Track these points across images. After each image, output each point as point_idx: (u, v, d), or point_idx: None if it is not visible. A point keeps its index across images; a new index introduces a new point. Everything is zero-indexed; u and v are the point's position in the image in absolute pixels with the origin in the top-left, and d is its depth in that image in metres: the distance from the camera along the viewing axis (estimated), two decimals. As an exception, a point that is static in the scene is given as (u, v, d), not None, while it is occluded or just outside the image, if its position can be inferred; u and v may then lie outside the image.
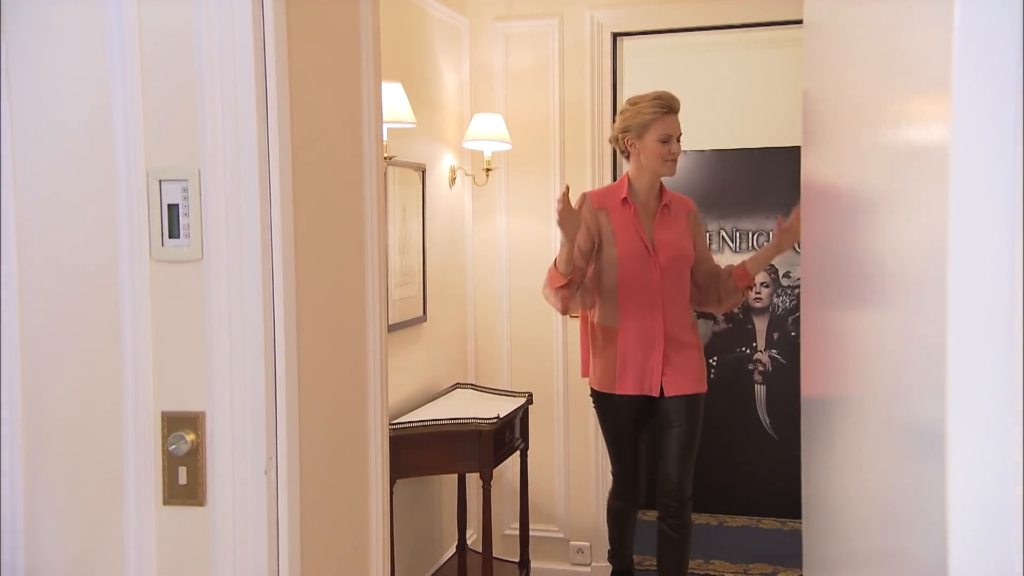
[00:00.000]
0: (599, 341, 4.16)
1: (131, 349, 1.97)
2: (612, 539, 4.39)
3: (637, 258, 3.96)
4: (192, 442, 1.95)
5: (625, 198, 4.02)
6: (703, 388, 4.06)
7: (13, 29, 1.99)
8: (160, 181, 1.94)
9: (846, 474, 1.38)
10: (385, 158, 3.19)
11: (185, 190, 1.94)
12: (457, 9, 5.06)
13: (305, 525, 2.08)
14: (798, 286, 5.65)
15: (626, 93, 5.63)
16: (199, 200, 1.93)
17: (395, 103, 4.35)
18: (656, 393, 3.94)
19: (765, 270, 5.82)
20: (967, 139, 0.83)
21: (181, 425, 1.96)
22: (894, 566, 1.08)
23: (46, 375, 2.04)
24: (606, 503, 4.53)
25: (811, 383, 1.85)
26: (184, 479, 1.97)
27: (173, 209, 1.94)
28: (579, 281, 4.19)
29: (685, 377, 3.85)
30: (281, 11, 1.94)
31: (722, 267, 4.27)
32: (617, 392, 4.02)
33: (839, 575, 1.45)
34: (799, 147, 2.29)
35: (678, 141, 3.94)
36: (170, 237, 1.95)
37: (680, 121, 4.03)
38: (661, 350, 3.89)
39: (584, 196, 4.21)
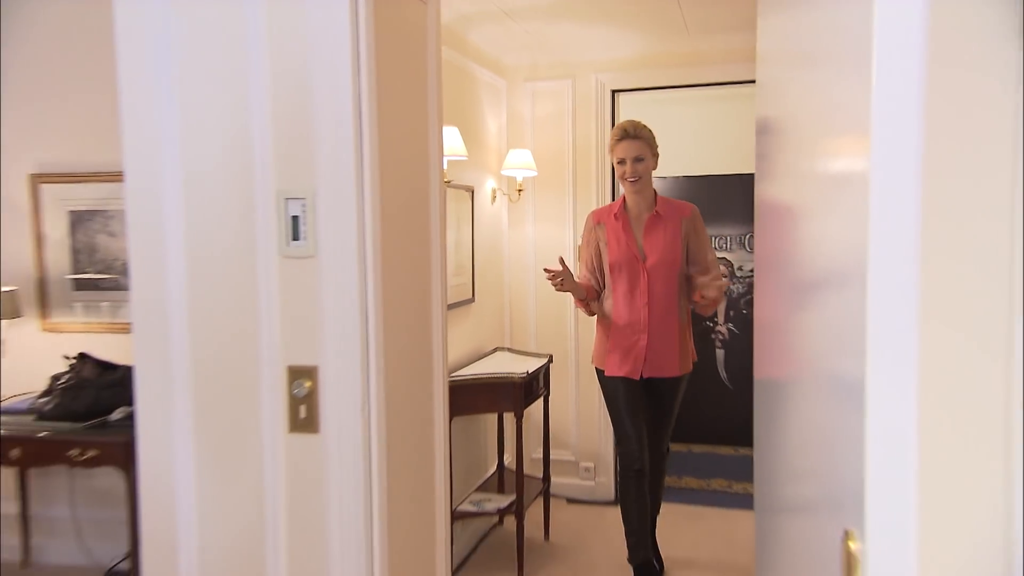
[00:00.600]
0: (600, 328, 3.86)
1: (266, 321, 2.00)
2: (628, 528, 3.79)
3: (626, 263, 3.59)
4: (309, 387, 1.98)
5: (617, 212, 3.67)
6: (681, 372, 3.68)
7: (186, 77, 2.01)
8: (286, 199, 1.96)
9: (789, 413, 1.38)
10: (445, 182, 3.21)
11: (303, 206, 1.95)
12: (498, 73, 5.07)
13: (389, 449, 2.10)
14: (748, 277, 5.69)
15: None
16: (313, 213, 1.95)
17: (452, 141, 4.38)
18: (637, 376, 3.61)
19: (725, 264, 5.90)
20: (882, 169, 0.86)
21: (301, 375, 1.98)
22: (824, 479, 1.09)
23: (207, 339, 2.06)
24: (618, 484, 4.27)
25: (763, 362, 1.80)
26: (303, 414, 1.99)
27: (295, 220, 1.96)
28: (596, 296, 3.92)
29: (665, 363, 3.51)
30: (372, 75, 1.95)
31: (712, 268, 3.68)
32: (607, 373, 3.70)
33: (781, 487, 1.44)
34: (752, 173, 2.30)
35: (633, 162, 3.54)
36: (293, 240, 1.96)
37: (637, 145, 3.60)
38: (645, 341, 3.54)
39: (588, 216, 3.97)
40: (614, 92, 5.51)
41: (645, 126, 3.54)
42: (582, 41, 4.89)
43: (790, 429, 1.34)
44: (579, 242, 4.46)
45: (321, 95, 1.91)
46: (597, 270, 3.79)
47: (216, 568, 2.10)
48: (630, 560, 3.77)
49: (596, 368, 3.94)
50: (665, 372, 3.59)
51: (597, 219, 3.78)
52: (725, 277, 3.51)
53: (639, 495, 3.74)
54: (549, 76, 5.23)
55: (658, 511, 3.79)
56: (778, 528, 1.45)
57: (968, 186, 1.39)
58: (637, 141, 3.49)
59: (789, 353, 1.37)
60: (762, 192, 1.82)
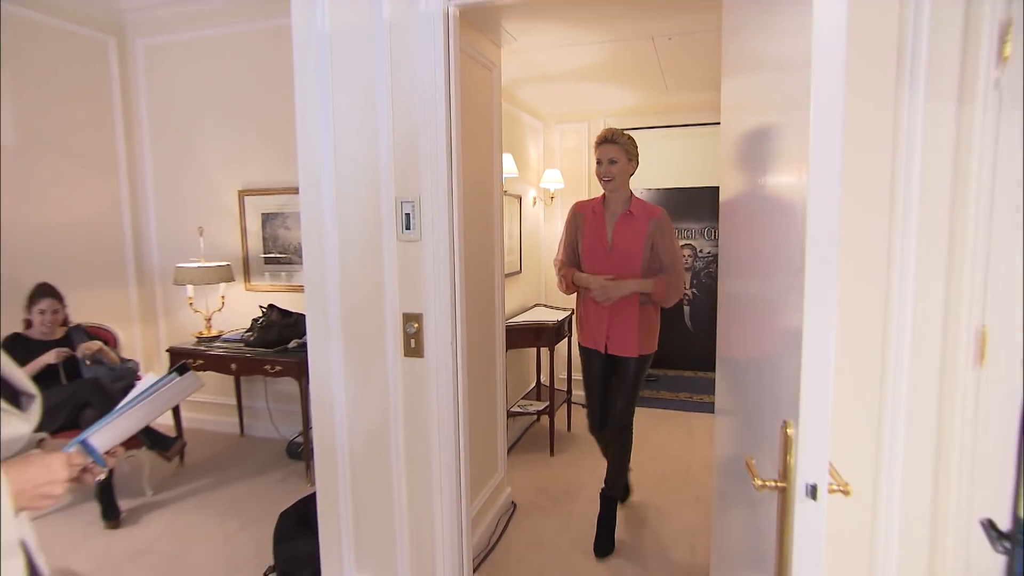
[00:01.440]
0: (577, 305, 3.02)
1: (388, 283, 1.99)
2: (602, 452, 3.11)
3: (596, 253, 2.84)
4: (416, 327, 1.97)
5: (596, 207, 2.90)
6: (640, 352, 2.84)
7: (337, 123, 2.01)
8: (401, 202, 1.94)
9: (743, 348, 1.35)
10: (503, 191, 3.18)
11: (413, 207, 1.93)
12: (537, 118, 4.98)
13: (468, 368, 2.10)
14: (707, 257, 5.54)
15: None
16: (419, 211, 1.93)
17: (508, 164, 4.33)
18: (603, 350, 2.86)
19: (691, 248, 5.69)
20: (816, 186, 0.81)
21: (411, 319, 1.98)
22: (771, 389, 1.04)
23: (351, 295, 2.05)
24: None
25: (725, 316, 1.71)
26: (413, 345, 1.98)
27: (407, 216, 1.94)
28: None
29: (625, 343, 2.78)
30: (457, 119, 1.91)
31: (671, 272, 2.83)
32: (581, 344, 2.97)
33: (736, 397, 1.41)
34: (712, 187, 2.24)
35: (608, 163, 2.76)
36: (406, 229, 1.95)
37: (613, 149, 2.78)
38: (607, 321, 2.81)
39: (572, 206, 3.09)
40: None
41: (624, 133, 2.79)
42: (595, 96, 4.78)
43: (746, 355, 1.30)
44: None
45: (425, 132, 1.89)
46: (574, 253, 2.98)
47: (358, 441, 2.11)
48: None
49: (578, 341, 3.09)
50: (626, 351, 2.80)
51: (579, 209, 2.99)
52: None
53: (602, 444, 3.07)
54: (572, 120, 5.11)
55: (627, 461, 2.93)
56: (733, 423, 1.41)
57: (859, 209, 1.35)
58: (613, 145, 2.74)
59: (748, 310, 1.32)
60: (725, 200, 1.76)
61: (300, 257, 3.53)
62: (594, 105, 5.04)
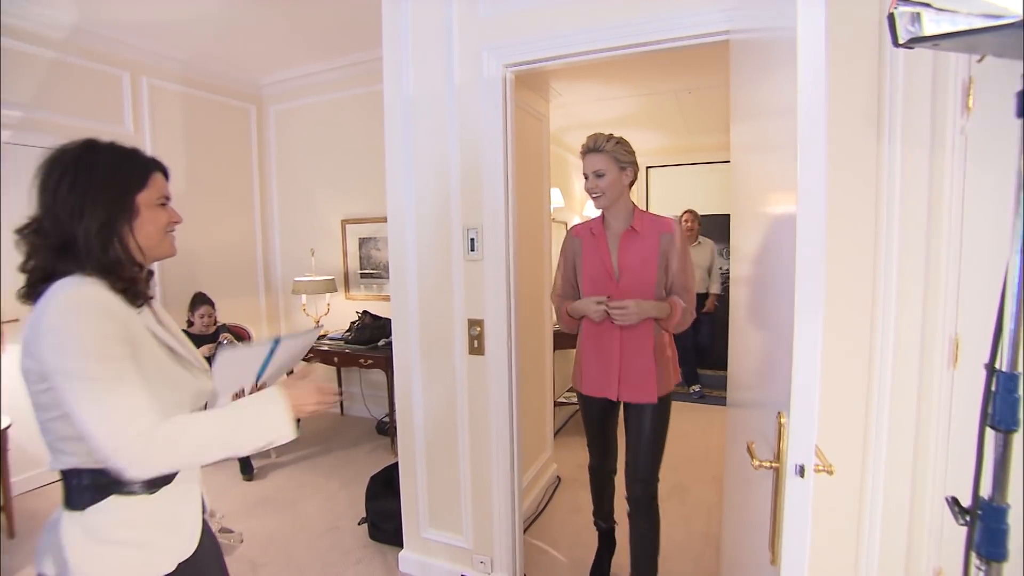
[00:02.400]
0: (577, 344, 2.03)
1: (456, 294, 2.01)
2: (593, 496, 2.18)
3: (599, 281, 1.89)
4: (479, 331, 1.98)
5: (594, 228, 1.95)
6: (661, 394, 1.87)
7: (417, 163, 2.04)
8: (467, 228, 1.97)
9: (749, 351, 1.32)
10: (552, 219, 3.19)
11: (476, 232, 1.95)
12: (580, 158, 4.98)
13: (521, 365, 2.08)
14: (724, 273, 5.29)
15: (653, 192, 5.44)
16: (481, 236, 1.94)
17: (556, 196, 4.35)
18: (614, 398, 1.91)
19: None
20: (803, 214, 0.79)
21: (475, 324, 1.99)
22: (769, 383, 1.01)
23: (427, 304, 2.07)
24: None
25: (736, 320, 1.66)
26: (476, 345, 1.99)
27: (472, 240, 1.96)
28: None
29: (638, 390, 1.86)
30: (513, 160, 1.93)
31: (683, 293, 1.86)
32: (583, 392, 1.98)
33: (742, 392, 1.38)
34: (726, 214, 2.16)
35: (594, 177, 1.86)
36: (470, 251, 1.97)
37: (598, 159, 1.85)
38: (617, 364, 1.88)
39: (569, 230, 2.08)
40: (647, 167, 5.32)
41: (612, 138, 1.87)
42: (628, 138, 4.74)
43: (751, 357, 1.27)
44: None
45: (486, 172, 1.91)
46: (572, 283, 2.00)
47: (431, 422, 2.14)
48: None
49: (575, 388, 2.05)
50: (642, 397, 1.86)
51: (575, 232, 2.01)
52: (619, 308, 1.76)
53: (603, 486, 2.14)
54: (610, 161, 5.11)
55: (655, 550, 1.94)
56: (740, 415, 1.38)
57: (844, 224, 1.30)
58: (598, 155, 1.86)
59: (752, 319, 1.30)
60: (734, 224, 1.72)
61: (388, 273, 3.64)
62: (628, 147, 5.01)
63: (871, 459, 1.25)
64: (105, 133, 0.94)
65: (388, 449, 3.50)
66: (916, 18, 0.64)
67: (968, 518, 0.83)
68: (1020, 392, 0.80)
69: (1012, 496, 0.80)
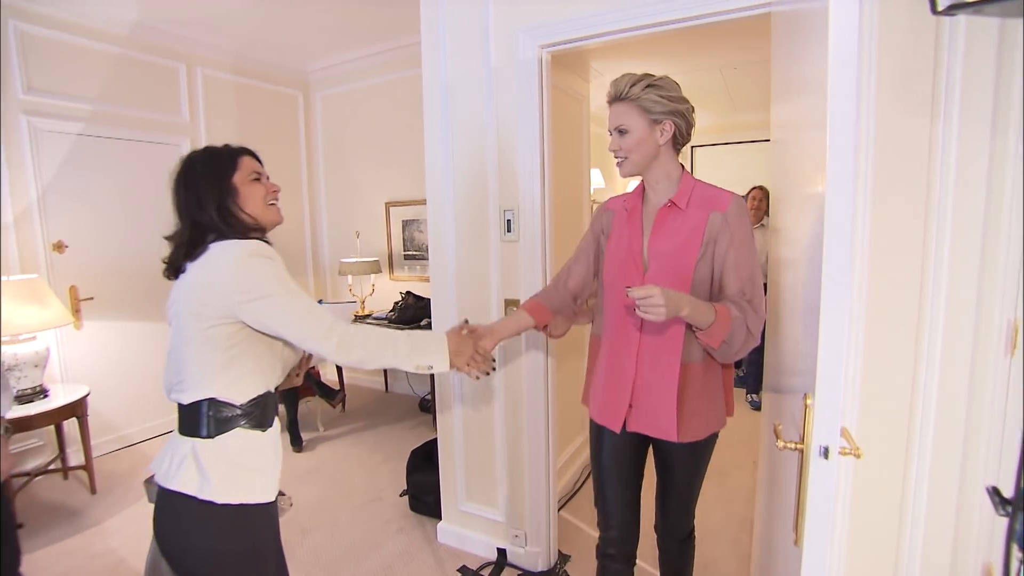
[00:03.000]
0: (590, 353, 1.51)
1: (494, 274, 2.03)
2: None
3: (621, 268, 1.35)
4: (514, 310, 2.01)
5: (629, 201, 1.40)
6: (683, 437, 1.30)
7: (455, 148, 2.06)
8: (503, 210, 1.98)
9: (785, 334, 1.30)
10: (592, 200, 3.16)
11: (512, 214, 1.97)
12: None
13: (556, 348, 2.07)
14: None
15: (698, 173, 5.29)
16: (518, 218, 1.96)
17: (596, 177, 4.30)
18: (616, 429, 1.36)
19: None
20: (832, 192, 0.78)
21: (511, 303, 2.01)
22: (796, 373, 1.00)
23: (466, 284, 2.08)
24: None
25: (772, 311, 1.51)
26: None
27: (509, 221, 1.98)
28: (546, 318, 1.50)
29: (659, 420, 1.30)
30: (549, 143, 1.92)
31: (743, 305, 1.22)
32: (590, 415, 1.47)
33: (778, 377, 1.35)
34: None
35: (617, 134, 1.30)
36: (507, 232, 1.99)
37: (621, 110, 1.29)
38: (631, 382, 1.32)
39: (601, 204, 1.54)
40: (692, 147, 5.17)
41: (643, 79, 1.28)
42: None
43: (786, 341, 1.24)
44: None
45: (521, 154, 1.92)
46: (585, 270, 1.51)
47: (468, 400, 2.17)
48: None
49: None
50: (660, 432, 1.32)
51: (608, 206, 1.50)
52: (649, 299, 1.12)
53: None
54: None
55: None
56: (774, 400, 1.36)
57: (890, 198, 1.24)
58: (620, 104, 1.30)
59: (789, 296, 1.26)
60: (773, 203, 1.66)
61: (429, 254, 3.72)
62: (672, 126, 4.87)
63: (916, 446, 1.21)
64: (164, 123, 1.08)
65: (430, 426, 3.62)
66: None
67: (1009, 508, 0.80)
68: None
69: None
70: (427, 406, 3.91)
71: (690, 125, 1.34)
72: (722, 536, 2.32)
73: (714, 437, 1.39)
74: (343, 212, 4.48)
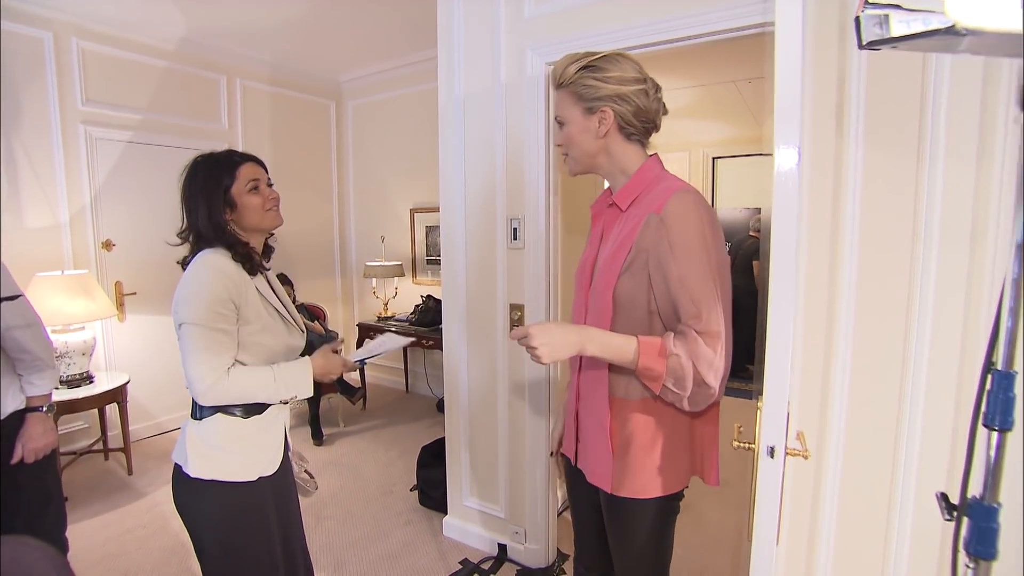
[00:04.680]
0: None
1: (500, 280, 2.09)
2: None
3: (577, 282, 1.15)
4: (519, 315, 2.05)
5: (601, 198, 1.17)
6: (615, 490, 1.01)
7: (468, 161, 2.14)
8: (509, 219, 2.04)
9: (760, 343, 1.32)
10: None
11: (518, 222, 2.02)
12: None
13: None
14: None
15: (721, 185, 5.24)
16: (523, 226, 2.01)
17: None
18: (573, 460, 1.17)
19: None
20: (778, 202, 0.81)
21: (515, 308, 2.07)
22: (759, 378, 1.03)
23: (474, 288, 2.17)
24: None
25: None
26: (512, 325, 2.06)
27: (515, 229, 2.03)
28: None
29: (593, 463, 1.06)
30: (553, 147, 1.99)
31: (682, 335, 0.92)
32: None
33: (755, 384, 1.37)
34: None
35: (558, 125, 1.07)
36: (512, 240, 2.04)
37: (557, 99, 1.07)
38: (574, 410, 1.14)
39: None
40: (713, 158, 5.14)
41: (579, 60, 1.01)
42: (695, 130, 4.61)
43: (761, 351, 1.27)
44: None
45: (528, 165, 1.97)
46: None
47: (475, 399, 2.25)
48: None
49: None
50: (595, 478, 1.07)
51: (595, 209, 1.20)
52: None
53: None
54: (675, 150, 4.96)
55: None
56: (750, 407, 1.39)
57: (881, 219, 1.26)
58: (558, 92, 1.07)
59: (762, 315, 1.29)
60: (763, 222, 1.68)
61: (450, 260, 3.80)
62: (693, 136, 4.86)
63: (903, 456, 1.23)
64: (205, 131, 1.20)
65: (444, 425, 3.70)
66: (884, 20, 0.65)
67: (955, 514, 0.82)
68: (1016, 391, 0.78)
69: (1007, 497, 0.79)
70: (444, 406, 3.99)
71: (640, 109, 1.02)
72: (722, 544, 2.32)
73: (670, 502, 1.05)
74: (370, 217, 4.63)
